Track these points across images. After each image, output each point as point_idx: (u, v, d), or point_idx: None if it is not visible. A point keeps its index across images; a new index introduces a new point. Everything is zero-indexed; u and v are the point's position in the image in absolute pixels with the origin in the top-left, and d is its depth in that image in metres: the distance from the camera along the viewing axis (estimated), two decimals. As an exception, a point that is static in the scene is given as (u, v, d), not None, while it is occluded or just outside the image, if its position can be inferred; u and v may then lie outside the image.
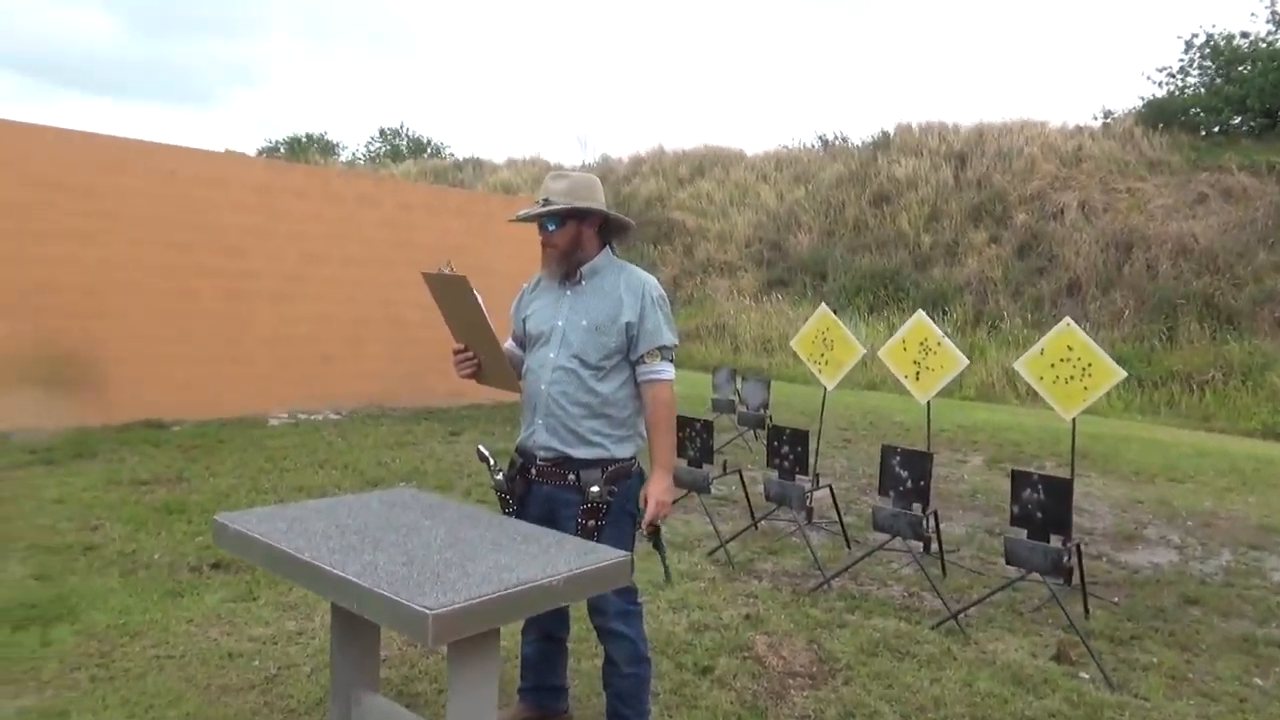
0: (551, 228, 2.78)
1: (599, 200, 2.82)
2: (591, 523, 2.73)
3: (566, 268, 2.83)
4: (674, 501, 3.05)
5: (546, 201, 2.77)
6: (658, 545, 2.90)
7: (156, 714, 3.12)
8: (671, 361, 2.84)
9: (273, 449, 7.56)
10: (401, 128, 42.42)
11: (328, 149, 41.14)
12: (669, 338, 2.82)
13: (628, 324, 2.76)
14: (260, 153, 39.44)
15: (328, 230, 9.80)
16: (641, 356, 2.79)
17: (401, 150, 40.69)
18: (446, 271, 2.74)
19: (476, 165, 34.16)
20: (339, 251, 9.90)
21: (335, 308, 9.89)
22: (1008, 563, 4.36)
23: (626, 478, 2.81)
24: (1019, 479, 4.33)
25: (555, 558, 2.34)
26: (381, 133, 42.25)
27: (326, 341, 9.82)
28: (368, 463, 7.26)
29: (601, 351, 2.76)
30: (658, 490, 2.80)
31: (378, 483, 6.51)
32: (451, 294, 2.74)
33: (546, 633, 3.13)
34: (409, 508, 2.79)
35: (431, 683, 3.48)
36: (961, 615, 4.40)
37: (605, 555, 2.39)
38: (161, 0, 75.79)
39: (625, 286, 2.80)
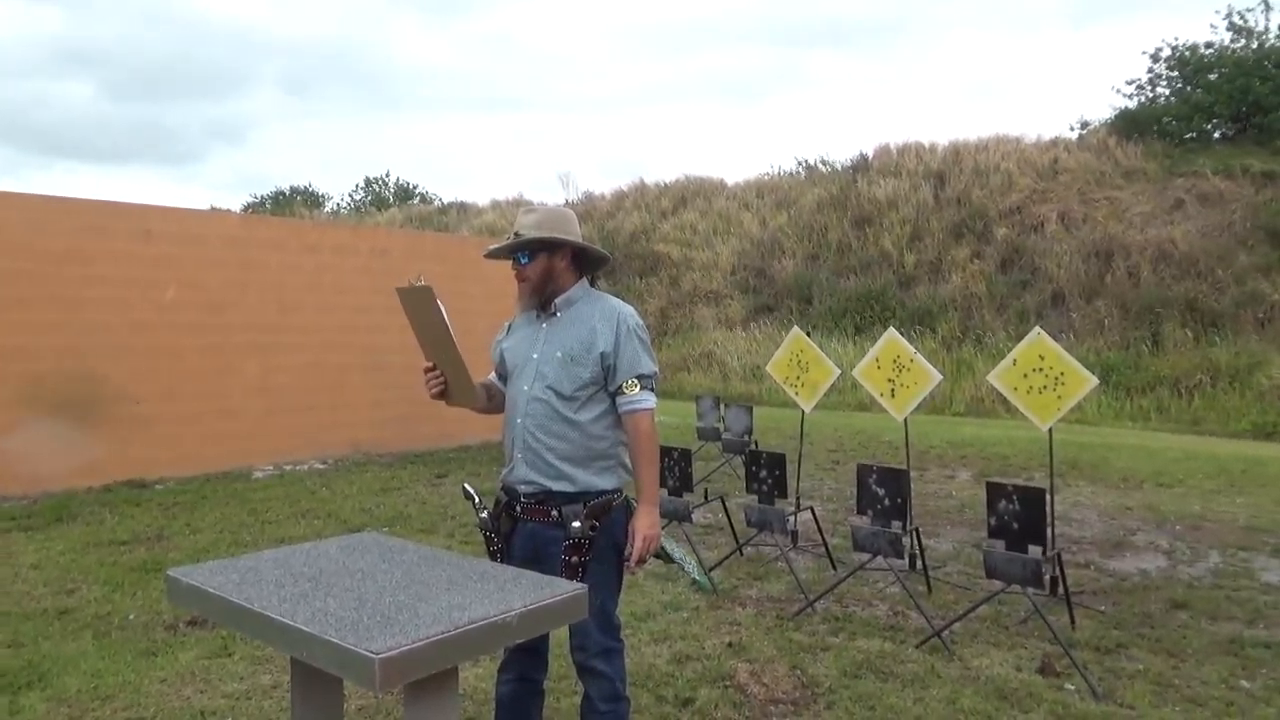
0: (524, 260, 2.78)
1: (571, 232, 2.82)
2: (575, 559, 2.69)
3: (539, 300, 2.83)
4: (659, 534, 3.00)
5: (517, 235, 2.78)
6: (673, 560, 2.89)
7: (125, 777, 3.06)
8: (652, 390, 2.79)
9: (255, 502, 7.51)
10: (387, 176, 42.70)
11: (313, 201, 41.40)
12: (647, 366, 2.77)
13: (602, 354, 2.73)
14: (246, 208, 39.68)
15: (305, 280, 9.82)
16: (620, 386, 2.75)
17: (386, 198, 40.91)
18: (417, 284, 2.72)
19: (461, 209, 34.33)
20: (316, 300, 9.91)
21: (317, 356, 9.89)
22: (988, 576, 4.34)
23: (608, 511, 2.76)
24: (994, 491, 4.32)
25: (510, 594, 2.31)
26: (366, 182, 42.54)
27: (310, 391, 9.80)
28: (351, 510, 7.22)
29: (576, 382, 2.74)
30: (644, 525, 2.74)
31: (361, 529, 6.46)
32: (421, 307, 2.71)
33: (522, 674, 3.08)
34: (368, 552, 2.76)
35: (407, 730, 3.42)
36: (946, 632, 4.36)
37: (561, 589, 2.36)
38: (139, 63, 76.49)
39: (600, 316, 2.78)
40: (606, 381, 2.77)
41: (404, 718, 2.15)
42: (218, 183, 75.29)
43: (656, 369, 2.83)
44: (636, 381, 2.74)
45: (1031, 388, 4.98)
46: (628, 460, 2.85)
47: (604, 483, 2.78)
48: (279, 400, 9.54)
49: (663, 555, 2.89)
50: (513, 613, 2.20)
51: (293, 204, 39.81)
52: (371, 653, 1.90)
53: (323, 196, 42.26)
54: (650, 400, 2.77)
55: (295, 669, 2.67)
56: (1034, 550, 4.16)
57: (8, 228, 7.86)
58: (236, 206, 41.14)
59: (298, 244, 9.86)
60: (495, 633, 2.17)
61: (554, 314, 2.84)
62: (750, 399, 15.81)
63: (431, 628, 2.06)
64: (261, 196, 42.26)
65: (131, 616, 4.65)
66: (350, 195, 42.77)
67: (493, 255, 2.91)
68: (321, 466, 9.42)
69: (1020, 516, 4.17)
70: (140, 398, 8.52)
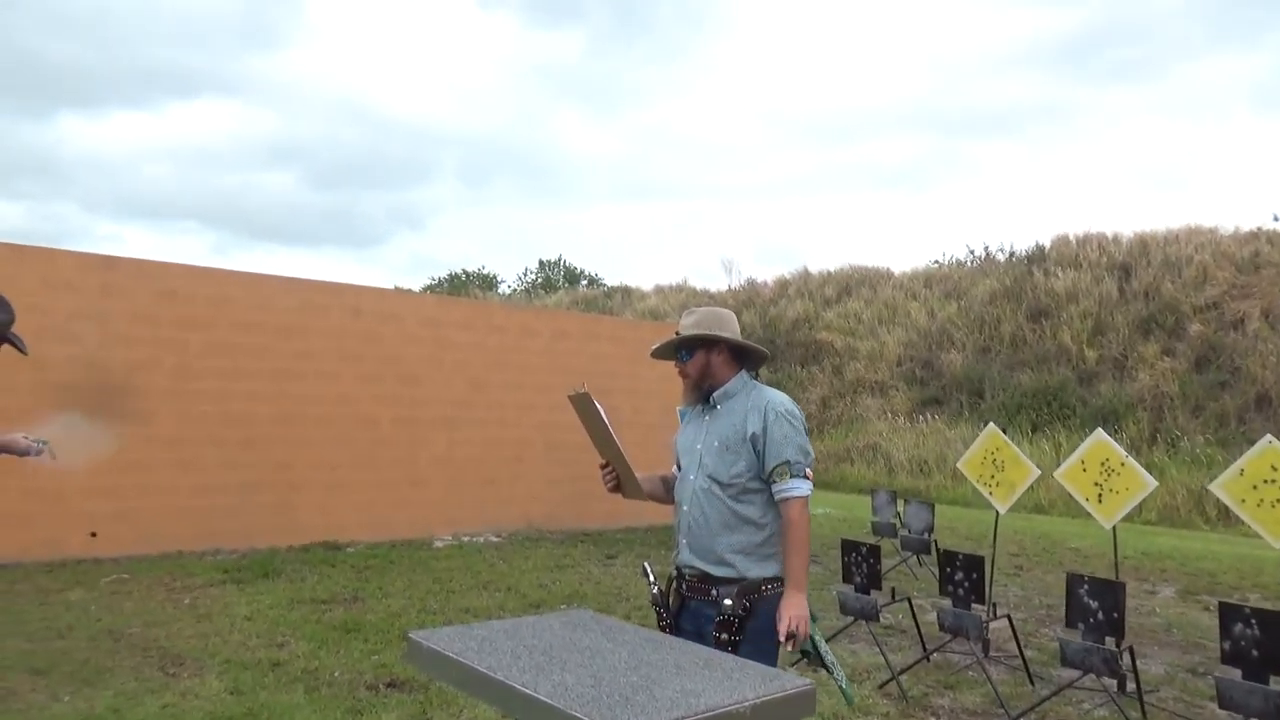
0: (685, 358, 2.94)
1: (727, 329, 2.96)
2: (725, 636, 2.73)
3: (700, 394, 2.97)
4: (817, 621, 2.93)
5: (678, 335, 2.95)
6: (824, 664, 2.83)
7: (343, 832, 3.19)
8: (804, 478, 2.81)
9: (438, 570, 7.80)
10: (559, 260, 44.45)
11: (487, 283, 43.51)
12: (793, 452, 2.80)
13: (753, 436, 2.82)
14: (426, 289, 42.08)
15: (490, 359, 10.31)
16: (771, 474, 2.80)
17: (556, 281, 42.52)
18: (580, 391, 2.95)
19: (625, 293, 35.27)
20: (501, 378, 10.37)
21: (499, 432, 10.29)
22: (1221, 706, 3.97)
23: (758, 592, 2.79)
24: (1229, 613, 3.98)
25: (740, 684, 2.30)
26: (540, 265, 44.42)
27: (490, 465, 10.19)
28: (529, 585, 7.37)
29: (731, 470, 2.83)
30: (790, 606, 2.74)
31: (539, 604, 6.59)
32: (586, 410, 2.95)
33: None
34: (590, 629, 2.83)
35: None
36: (1171, 764, 3.99)
37: (791, 684, 2.34)
38: (335, 156, 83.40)
39: (751, 405, 2.89)
40: (760, 469, 2.82)
41: (636, 801, 2.16)
42: (396, 265, 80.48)
43: (810, 453, 2.85)
44: (786, 468, 2.78)
45: (1263, 500, 4.60)
46: None
47: (764, 570, 2.82)
48: (462, 473, 9.96)
49: (813, 655, 2.84)
50: (746, 704, 2.18)
51: (468, 286, 41.97)
52: (621, 732, 1.94)
53: (495, 279, 44.39)
54: (801, 488, 2.79)
55: (521, 741, 2.73)
56: (1277, 682, 3.79)
57: (235, 304, 8.67)
58: (416, 287, 43.76)
59: (485, 325, 10.41)
60: (729, 722, 2.17)
61: (714, 407, 2.96)
62: (916, 494, 15.25)
63: (670, 712, 2.07)
64: (439, 279, 44.79)
65: (336, 674, 4.89)
66: (520, 277, 44.75)
67: (657, 354, 3.08)
68: (496, 539, 9.70)
69: (1261, 643, 3.81)
70: (338, 464, 9.09)
